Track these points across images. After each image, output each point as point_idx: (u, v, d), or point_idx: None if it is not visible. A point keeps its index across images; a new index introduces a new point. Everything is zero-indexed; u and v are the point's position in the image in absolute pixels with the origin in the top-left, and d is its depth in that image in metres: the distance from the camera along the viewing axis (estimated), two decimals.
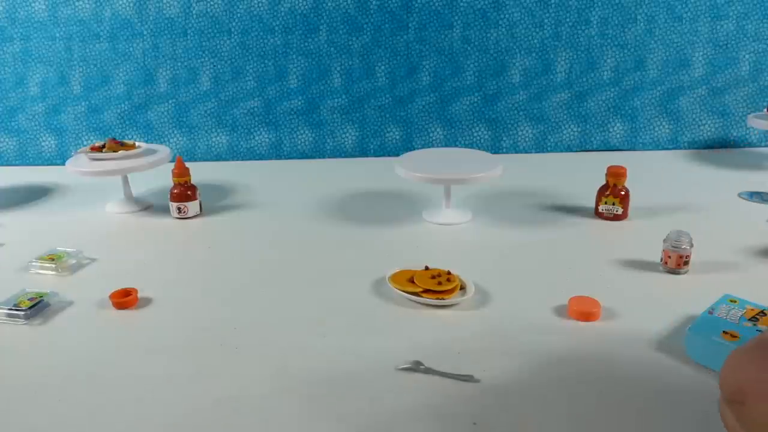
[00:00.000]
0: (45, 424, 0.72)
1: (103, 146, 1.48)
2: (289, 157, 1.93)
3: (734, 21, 1.80)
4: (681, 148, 1.92)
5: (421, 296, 0.97)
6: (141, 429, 0.72)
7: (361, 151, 1.93)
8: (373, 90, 1.87)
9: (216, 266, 1.16)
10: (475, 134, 1.92)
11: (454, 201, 1.42)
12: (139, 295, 1.03)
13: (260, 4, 1.81)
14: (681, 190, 1.50)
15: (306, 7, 1.81)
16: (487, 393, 0.75)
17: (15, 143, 1.92)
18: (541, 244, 1.20)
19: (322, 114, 1.90)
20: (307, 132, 1.91)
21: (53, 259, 1.15)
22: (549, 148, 1.93)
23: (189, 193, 1.41)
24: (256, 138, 1.92)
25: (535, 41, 1.83)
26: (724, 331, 0.79)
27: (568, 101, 1.88)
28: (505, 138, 1.93)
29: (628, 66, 1.85)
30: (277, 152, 1.93)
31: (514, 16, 1.81)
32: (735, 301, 0.87)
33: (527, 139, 1.92)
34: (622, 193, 1.29)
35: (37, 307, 0.98)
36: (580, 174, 1.67)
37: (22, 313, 0.96)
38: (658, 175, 1.66)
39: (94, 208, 1.50)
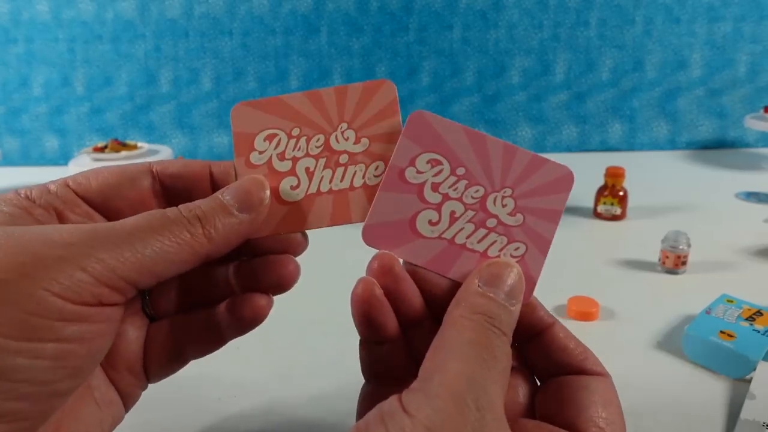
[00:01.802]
0: None
1: (106, 147, 1.49)
2: None
3: (731, 23, 1.81)
4: (679, 149, 1.93)
5: None
6: (141, 429, 0.73)
7: None
8: None
9: None
10: None
11: None
12: None
13: (261, 6, 1.82)
14: (679, 191, 1.51)
15: (306, 8, 1.82)
16: None
17: (19, 144, 1.93)
18: None
19: None
20: None
21: None
22: (548, 149, 1.94)
23: None
24: None
25: (534, 42, 1.84)
26: (721, 331, 0.80)
27: (567, 102, 1.89)
28: (504, 138, 1.92)
29: (626, 67, 1.86)
30: None
31: (514, 17, 1.82)
32: (732, 301, 0.88)
33: (527, 140, 1.93)
34: (621, 193, 1.30)
35: None
36: (578, 174, 1.67)
37: None
38: (656, 175, 1.66)
39: None
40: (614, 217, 1.31)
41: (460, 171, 0.33)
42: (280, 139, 0.34)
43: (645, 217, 1.33)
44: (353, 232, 1.22)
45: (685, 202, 1.42)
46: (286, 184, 0.34)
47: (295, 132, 0.34)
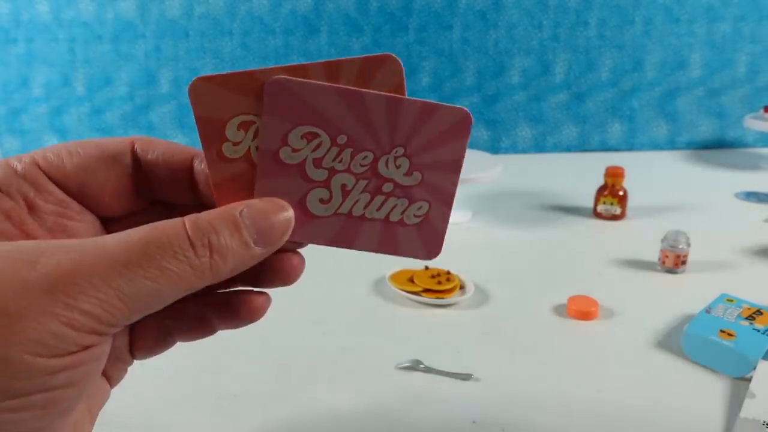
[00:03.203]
0: None
1: None
2: None
3: (731, 23, 1.81)
4: (678, 149, 1.93)
5: (421, 296, 0.98)
6: (141, 427, 0.73)
7: None
8: None
9: None
10: (475, 134, 1.93)
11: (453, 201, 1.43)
12: None
13: (261, 6, 1.82)
14: (678, 191, 1.51)
15: (306, 8, 1.82)
16: (486, 391, 0.76)
17: (19, 144, 1.93)
18: (540, 244, 1.21)
19: None
20: None
21: None
22: (548, 149, 1.94)
23: None
24: None
25: (534, 43, 1.84)
26: (721, 330, 0.80)
27: (566, 102, 1.89)
28: (504, 138, 1.94)
29: (626, 67, 1.86)
30: None
31: (513, 17, 1.82)
32: (732, 300, 0.88)
33: (526, 140, 1.94)
34: (621, 193, 1.30)
35: None
36: (578, 174, 1.68)
37: None
38: (655, 175, 1.67)
39: None
40: (614, 217, 1.31)
41: (342, 140, 0.29)
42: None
43: (645, 216, 1.33)
44: None
45: (685, 202, 1.43)
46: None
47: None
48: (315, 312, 0.98)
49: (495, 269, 1.10)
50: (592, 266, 1.10)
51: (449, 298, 0.98)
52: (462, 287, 1.02)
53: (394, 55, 0.30)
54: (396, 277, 1.04)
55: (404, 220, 0.31)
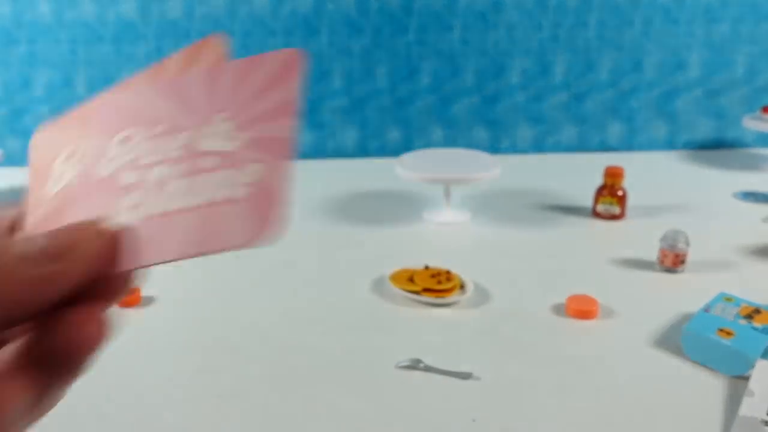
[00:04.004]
0: (46, 423, 0.73)
1: None
2: None
3: (729, 24, 1.81)
4: (677, 149, 1.94)
5: (421, 295, 0.99)
6: (142, 427, 0.73)
7: (362, 151, 1.94)
8: (373, 91, 1.89)
9: (218, 265, 1.17)
10: (475, 135, 1.94)
11: (453, 201, 1.44)
12: (142, 293, 1.04)
13: (262, 7, 1.83)
14: (677, 191, 1.52)
15: (307, 9, 1.83)
16: (485, 390, 0.76)
17: (21, 144, 1.94)
18: (539, 244, 1.21)
19: (323, 115, 1.91)
20: (307, 133, 1.93)
21: None
22: (548, 149, 1.95)
23: None
24: None
25: (534, 43, 1.85)
26: (719, 329, 0.80)
27: (566, 102, 1.90)
28: (504, 139, 1.94)
29: (625, 68, 1.86)
30: None
31: (513, 18, 1.83)
32: (730, 299, 0.89)
33: (526, 140, 1.94)
34: (620, 193, 1.30)
35: None
36: (578, 174, 1.69)
37: None
38: (655, 175, 1.67)
39: None
40: (613, 217, 1.32)
41: (158, 130, 0.26)
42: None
43: (644, 216, 1.34)
44: (350, 231, 1.21)
45: (684, 202, 1.43)
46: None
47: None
48: (315, 312, 0.98)
49: (494, 269, 1.11)
50: (591, 266, 1.10)
51: (449, 298, 0.98)
52: (462, 286, 1.02)
53: (218, 34, 0.27)
54: (396, 277, 1.04)
55: (232, 195, 0.24)
